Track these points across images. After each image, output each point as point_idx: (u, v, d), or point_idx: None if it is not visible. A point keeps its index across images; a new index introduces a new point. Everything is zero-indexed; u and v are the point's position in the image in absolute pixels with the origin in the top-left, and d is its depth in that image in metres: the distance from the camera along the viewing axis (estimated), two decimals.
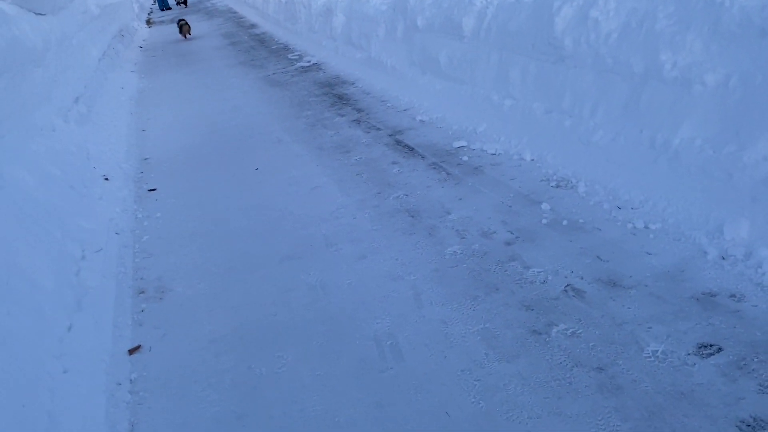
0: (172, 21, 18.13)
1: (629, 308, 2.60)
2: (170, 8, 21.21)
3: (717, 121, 3.23)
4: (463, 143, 4.75)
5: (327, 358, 2.58)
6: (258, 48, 11.17)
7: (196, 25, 15.24)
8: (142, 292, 3.26)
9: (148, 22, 18.71)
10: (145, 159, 5.51)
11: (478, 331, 2.60)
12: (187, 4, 21.64)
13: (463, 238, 3.38)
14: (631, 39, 3.78)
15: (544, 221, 3.42)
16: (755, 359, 2.23)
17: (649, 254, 2.96)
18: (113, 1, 12.99)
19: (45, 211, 3.60)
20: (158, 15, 20.75)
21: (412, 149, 4.87)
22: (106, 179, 4.77)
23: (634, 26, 3.78)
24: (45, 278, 2.97)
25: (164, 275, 3.41)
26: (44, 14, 6.45)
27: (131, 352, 2.77)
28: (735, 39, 3.20)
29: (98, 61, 9.02)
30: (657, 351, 2.34)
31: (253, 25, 14.71)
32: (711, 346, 2.33)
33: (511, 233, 3.35)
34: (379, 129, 5.50)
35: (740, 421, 1.99)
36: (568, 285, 2.82)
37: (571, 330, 2.53)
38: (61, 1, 7.39)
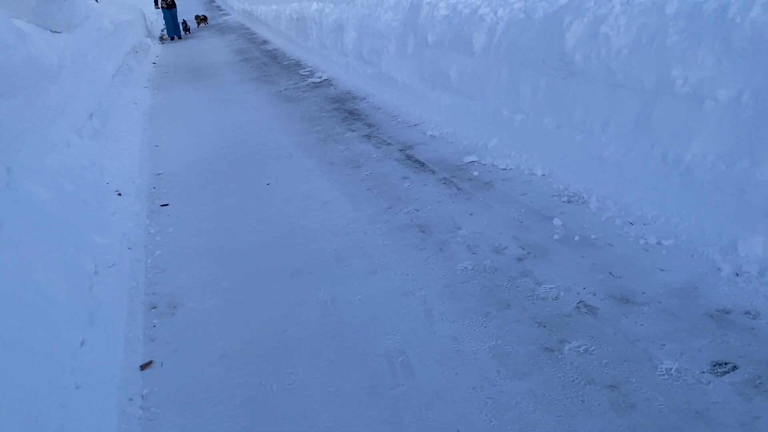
0: (185, 38, 18.37)
1: (642, 325, 2.58)
2: (180, 37, 19.04)
3: (729, 137, 3.22)
4: (474, 158, 4.76)
5: (338, 374, 2.57)
6: (270, 64, 11.28)
7: (209, 41, 15.40)
8: (154, 308, 3.27)
9: (161, 39, 18.96)
10: (158, 174, 5.56)
11: (489, 348, 2.59)
12: (189, 30, 20.46)
13: (474, 253, 3.37)
14: (642, 54, 3.78)
15: (556, 237, 3.41)
16: None
17: (662, 270, 2.94)
18: (127, 18, 13.19)
19: (59, 225, 3.63)
20: None
21: (422, 164, 4.88)
22: (119, 194, 4.81)
23: (645, 42, 3.78)
24: (58, 293, 2.99)
25: (176, 290, 3.42)
26: (60, 32, 6.55)
27: (143, 367, 2.77)
28: (747, 54, 3.19)
29: (112, 77, 9.14)
30: (671, 369, 2.32)
31: (265, 42, 14.87)
32: (726, 364, 2.30)
33: (523, 249, 3.34)
34: (389, 144, 5.52)
35: None
36: (580, 301, 2.81)
37: (583, 347, 2.51)
38: (77, 19, 7.51)
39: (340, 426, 2.30)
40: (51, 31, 6.28)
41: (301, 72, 9.90)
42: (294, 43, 12.63)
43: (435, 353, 2.60)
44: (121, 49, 11.67)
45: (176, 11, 18.57)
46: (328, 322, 2.94)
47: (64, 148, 4.92)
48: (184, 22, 19.62)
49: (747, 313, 2.56)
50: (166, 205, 4.75)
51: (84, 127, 5.89)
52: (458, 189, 4.27)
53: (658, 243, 3.17)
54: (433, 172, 4.66)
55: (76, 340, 2.78)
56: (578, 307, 2.76)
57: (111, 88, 8.51)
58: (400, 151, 5.28)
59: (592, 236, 3.36)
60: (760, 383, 2.19)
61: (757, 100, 3.10)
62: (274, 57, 12.07)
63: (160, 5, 18.04)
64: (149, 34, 17.81)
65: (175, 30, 18.81)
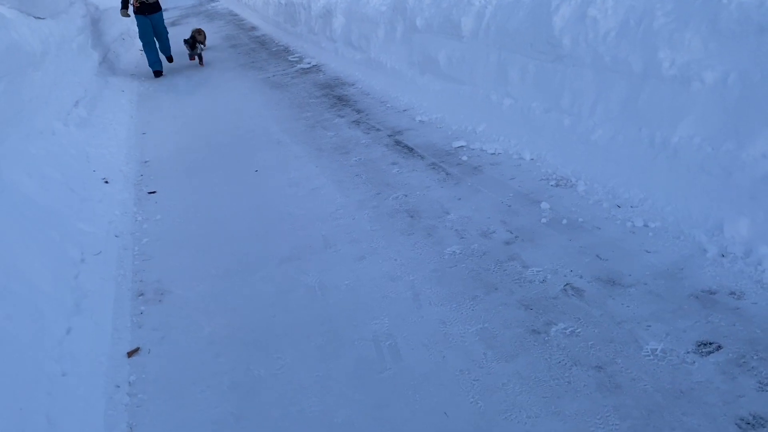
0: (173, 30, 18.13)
1: (628, 307, 2.59)
2: (161, 72, 9.66)
3: (716, 119, 3.22)
4: (463, 143, 4.75)
5: (325, 359, 2.57)
6: (258, 50, 11.17)
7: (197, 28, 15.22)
8: (141, 295, 3.26)
9: None
10: (145, 162, 5.52)
11: (476, 331, 2.59)
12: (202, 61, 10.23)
13: (463, 238, 3.37)
14: (630, 37, 3.77)
15: (544, 220, 3.41)
16: (755, 357, 2.22)
17: (649, 252, 2.95)
18: (114, 4, 13.01)
19: (44, 214, 3.61)
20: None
21: (411, 149, 4.86)
22: (106, 182, 4.78)
23: (633, 24, 3.77)
24: (44, 281, 2.97)
25: (163, 277, 3.41)
26: (44, 18, 6.46)
27: (130, 354, 2.76)
28: (733, 36, 3.18)
29: (99, 64, 9.02)
30: (656, 349, 2.33)
31: (253, 28, 14.72)
32: (710, 344, 2.32)
33: (511, 233, 3.35)
34: (378, 130, 5.50)
35: (740, 419, 1.98)
36: (567, 284, 2.81)
37: (570, 329, 2.52)
38: (61, 5, 7.40)
39: (328, 410, 2.30)
40: (34, 17, 6.18)
41: (289, 58, 9.82)
42: (282, 29, 12.51)
43: (422, 337, 2.61)
44: (108, 35, 11.52)
45: (161, 17, 9.75)
46: (316, 308, 2.93)
47: (49, 137, 4.87)
48: (195, 37, 10.13)
49: (732, 293, 2.57)
50: (154, 192, 4.72)
51: (69, 115, 5.83)
52: (447, 174, 4.26)
53: (645, 225, 3.18)
54: (422, 158, 4.64)
55: (63, 328, 2.77)
56: (565, 290, 2.77)
57: (97, 76, 8.41)
58: (389, 136, 5.26)
59: (580, 219, 3.36)
60: (743, 362, 2.20)
61: (743, 82, 3.10)
62: (262, 43, 11.96)
63: (131, 9, 9.59)
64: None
65: (157, 54, 9.69)
